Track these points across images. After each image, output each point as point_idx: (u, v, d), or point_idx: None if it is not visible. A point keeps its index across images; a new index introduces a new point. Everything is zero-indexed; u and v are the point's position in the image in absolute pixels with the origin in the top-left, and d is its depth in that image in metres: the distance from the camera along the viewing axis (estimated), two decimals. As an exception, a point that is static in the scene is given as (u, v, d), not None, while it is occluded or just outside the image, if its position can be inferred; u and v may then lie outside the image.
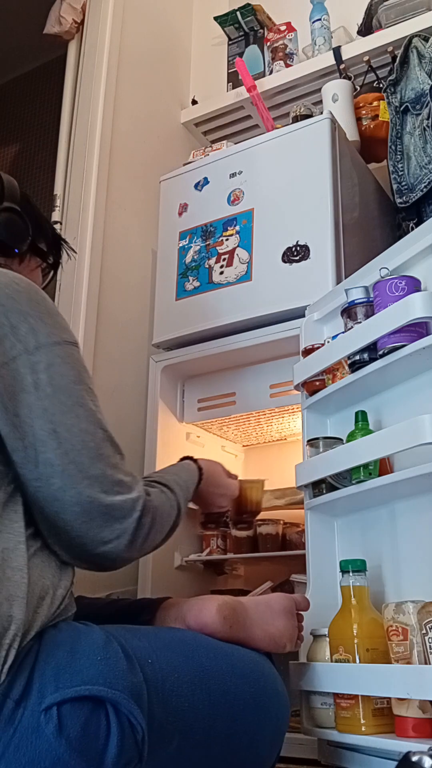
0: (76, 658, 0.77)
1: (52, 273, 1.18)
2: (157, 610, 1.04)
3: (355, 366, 1.30)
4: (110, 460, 0.83)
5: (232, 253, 1.85)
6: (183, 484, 1.05)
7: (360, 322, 1.30)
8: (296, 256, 1.74)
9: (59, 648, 0.78)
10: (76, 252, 1.26)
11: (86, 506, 0.81)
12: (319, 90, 2.20)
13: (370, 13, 2.22)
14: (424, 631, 1.04)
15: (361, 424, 1.28)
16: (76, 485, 0.81)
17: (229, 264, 1.85)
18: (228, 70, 2.51)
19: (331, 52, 2.22)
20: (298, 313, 1.63)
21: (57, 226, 1.22)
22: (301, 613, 1.11)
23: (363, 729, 1.08)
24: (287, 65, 2.34)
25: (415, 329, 1.19)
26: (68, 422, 0.81)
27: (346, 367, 1.35)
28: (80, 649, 0.79)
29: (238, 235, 1.86)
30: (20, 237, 1.07)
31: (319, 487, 1.36)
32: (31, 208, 1.12)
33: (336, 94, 2.11)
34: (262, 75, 2.39)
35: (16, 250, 1.07)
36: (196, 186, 2.00)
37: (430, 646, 1.03)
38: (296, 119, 1.98)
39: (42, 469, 0.80)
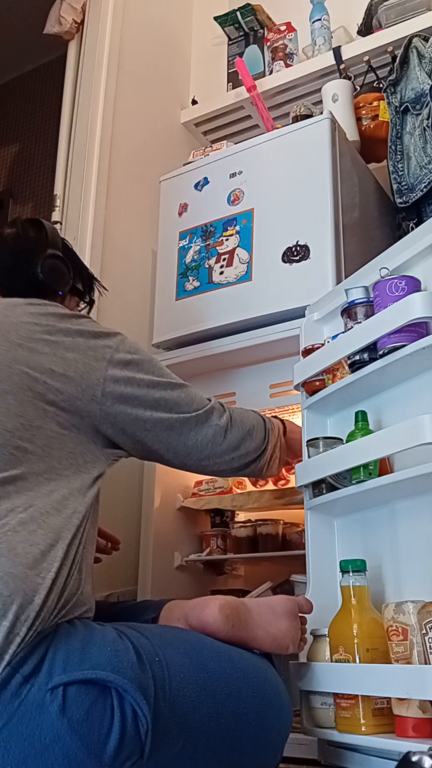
0: (88, 647, 0.81)
1: (88, 309, 1.32)
2: (161, 610, 1.05)
3: (355, 366, 1.30)
4: (195, 399, 1.14)
5: (232, 253, 1.85)
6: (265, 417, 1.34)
7: (360, 322, 1.30)
8: (296, 256, 1.74)
9: (72, 638, 0.81)
10: (107, 290, 1.37)
11: (195, 425, 1.13)
12: (319, 90, 2.20)
13: (370, 13, 2.22)
14: (424, 631, 1.04)
15: (361, 424, 1.28)
16: (187, 423, 1.12)
17: (229, 264, 1.85)
18: (228, 70, 2.51)
19: (331, 52, 2.22)
20: (298, 313, 1.62)
21: (57, 226, 1.26)
22: (304, 615, 1.11)
23: (363, 729, 1.07)
24: (287, 65, 2.34)
25: (415, 329, 1.19)
26: (163, 383, 1.10)
27: (346, 367, 1.35)
28: (92, 640, 0.82)
29: (238, 235, 1.86)
30: (63, 281, 1.19)
31: (319, 487, 1.36)
32: (70, 252, 1.24)
33: (336, 94, 2.11)
34: (262, 75, 2.39)
35: (60, 293, 1.18)
36: (196, 186, 2.00)
37: (430, 646, 1.03)
38: (296, 119, 1.98)
39: (168, 419, 1.09)
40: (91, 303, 1.30)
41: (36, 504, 0.88)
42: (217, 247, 1.88)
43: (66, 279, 1.18)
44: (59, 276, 1.17)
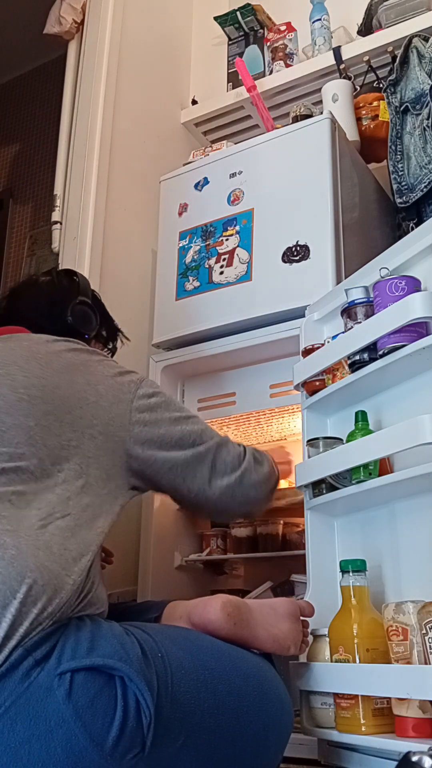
0: (96, 638, 0.84)
1: (111, 356, 1.40)
2: (164, 610, 1.06)
3: (355, 366, 1.30)
4: (211, 429, 1.21)
5: (232, 253, 1.85)
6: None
7: (360, 322, 1.30)
8: (296, 256, 1.74)
9: (82, 630, 0.85)
10: (129, 339, 1.47)
11: (216, 449, 1.19)
12: (319, 90, 2.20)
13: (370, 13, 2.22)
14: (424, 631, 1.04)
15: (361, 424, 1.28)
16: (211, 450, 1.18)
17: (229, 264, 1.85)
18: (228, 70, 2.51)
19: (331, 52, 2.22)
20: (298, 313, 1.62)
21: (57, 226, 1.28)
22: (306, 619, 1.11)
23: (363, 729, 1.07)
24: (287, 65, 2.34)
25: (415, 329, 1.19)
26: (184, 417, 1.16)
27: (346, 367, 1.35)
28: (101, 633, 0.85)
29: (238, 235, 1.86)
30: (90, 326, 1.29)
31: (319, 487, 1.36)
32: (99, 302, 1.35)
33: (336, 94, 2.11)
34: (262, 75, 2.39)
35: (86, 336, 1.27)
36: (196, 186, 2.00)
37: (430, 646, 1.03)
38: (296, 119, 1.98)
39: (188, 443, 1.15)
40: (113, 351, 1.40)
41: (73, 513, 0.95)
42: (217, 247, 1.88)
43: (93, 324, 1.29)
44: (86, 321, 1.28)
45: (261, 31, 2.48)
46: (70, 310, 1.25)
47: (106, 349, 1.39)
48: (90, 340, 1.30)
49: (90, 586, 0.91)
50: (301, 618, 1.10)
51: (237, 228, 1.86)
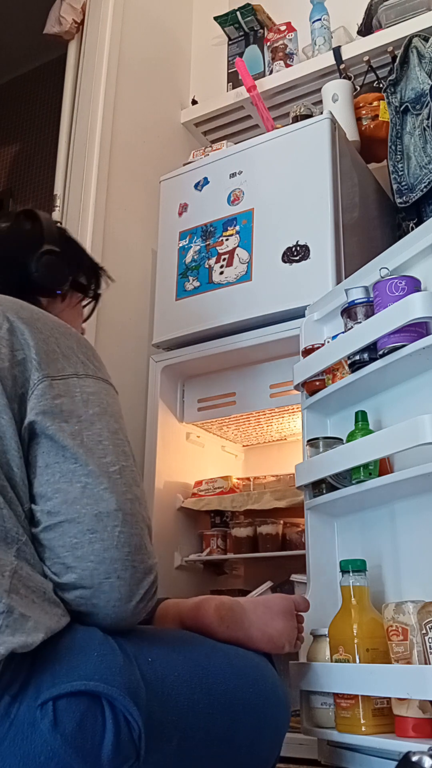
0: (73, 655, 0.78)
1: (94, 304, 1.21)
2: (156, 611, 1.04)
3: (355, 366, 1.30)
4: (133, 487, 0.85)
5: (232, 253, 1.85)
6: None
7: (360, 322, 1.30)
8: (296, 256, 1.74)
9: (57, 647, 0.78)
10: (113, 280, 1.26)
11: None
12: (319, 90, 2.20)
13: (370, 13, 2.22)
14: (424, 631, 1.04)
15: (361, 424, 1.28)
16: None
17: (229, 264, 1.85)
18: (228, 70, 2.51)
19: (331, 52, 2.22)
20: (298, 313, 1.63)
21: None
22: (301, 614, 1.11)
23: (363, 729, 1.07)
24: (287, 65, 2.34)
25: (415, 329, 1.19)
26: (118, 435, 0.86)
27: (346, 367, 1.35)
28: (77, 646, 0.79)
29: (238, 235, 1.86)
30: (60, 279, 1.10)
31: (319, 487, 1.36)
32: (68, 244, 1.15)
33: (336, 94, 2.11)
34: (262, 75, 2.39)
35: (59, 291, 1.10)
36: (196, 186, 2.00)
37: (430, 646, 1.03)
38: (296, 119, 1.98)
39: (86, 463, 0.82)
40: (96, 297, 1.21)
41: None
42: (217, 247, 1.88)
43: (64, 277, 1.11)
44: (56, 275, 1.10)
45: (261, 31, 2.48)
46: (34, 263, 1.06)
47: (87, 298, 1.19)
48: (64, 294, 1.12)
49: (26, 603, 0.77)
50: (297, 613, 1.09)
51: (237, 228, 1.86)
